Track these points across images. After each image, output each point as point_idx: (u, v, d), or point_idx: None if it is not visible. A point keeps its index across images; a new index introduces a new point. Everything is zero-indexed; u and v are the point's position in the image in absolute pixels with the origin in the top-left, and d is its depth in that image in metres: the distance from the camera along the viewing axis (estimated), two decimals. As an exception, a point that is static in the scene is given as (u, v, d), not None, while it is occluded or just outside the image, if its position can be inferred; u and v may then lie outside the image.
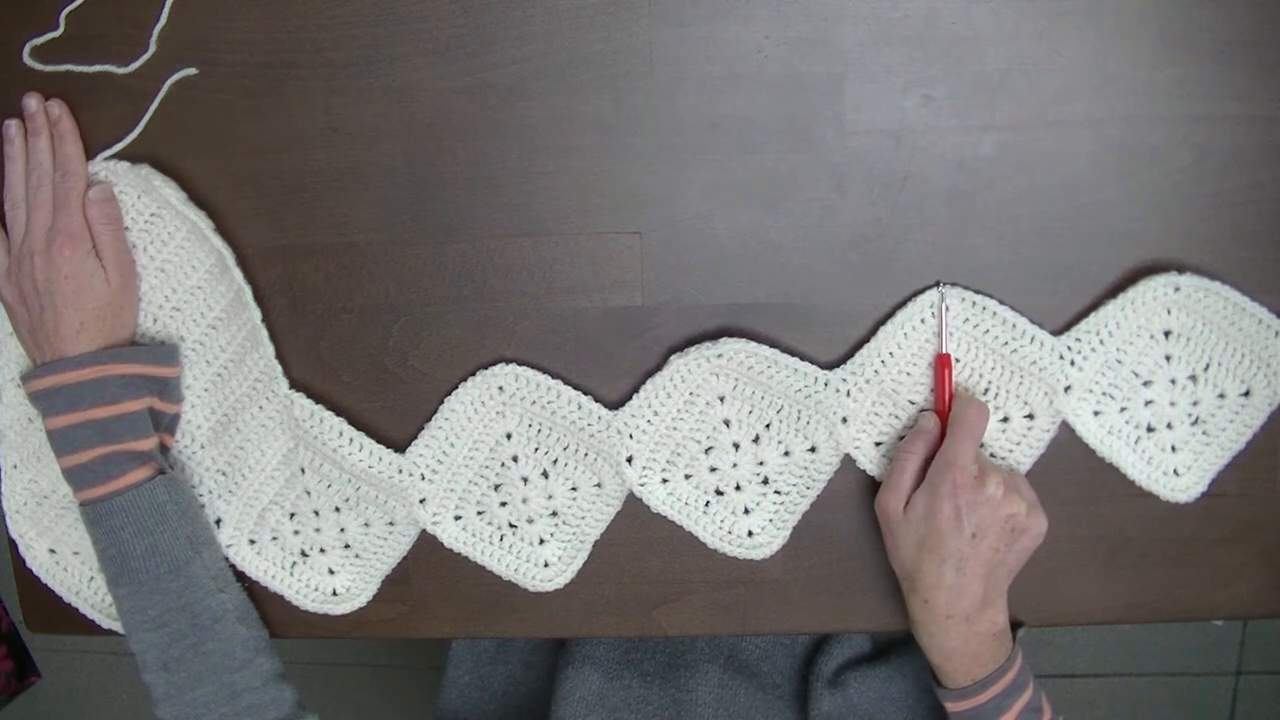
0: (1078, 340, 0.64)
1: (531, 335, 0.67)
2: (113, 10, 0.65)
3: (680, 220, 0.65)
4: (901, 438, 0.66)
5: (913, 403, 0.66)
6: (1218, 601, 0.69)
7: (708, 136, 0.64)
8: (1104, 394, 0.65)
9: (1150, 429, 0.66)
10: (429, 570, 0.72)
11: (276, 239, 0.67)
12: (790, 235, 0.65)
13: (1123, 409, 0.66)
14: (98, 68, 0.66)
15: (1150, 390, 0.65)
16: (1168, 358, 0.65)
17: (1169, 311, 0.64)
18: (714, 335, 0.66)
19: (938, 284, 0.64)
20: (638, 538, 0.70)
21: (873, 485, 0.68)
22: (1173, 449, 0.66)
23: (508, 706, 0.85)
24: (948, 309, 0.64)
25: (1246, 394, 0.65)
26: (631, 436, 0.66)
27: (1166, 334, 0.64)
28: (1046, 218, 0.64)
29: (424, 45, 0.64)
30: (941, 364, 0.64)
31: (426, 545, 0.71)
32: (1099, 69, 0.62)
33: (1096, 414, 0.65)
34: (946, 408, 0.64)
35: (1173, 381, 0.65)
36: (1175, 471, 0.66)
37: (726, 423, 0.67)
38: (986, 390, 0.65)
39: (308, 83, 0.65)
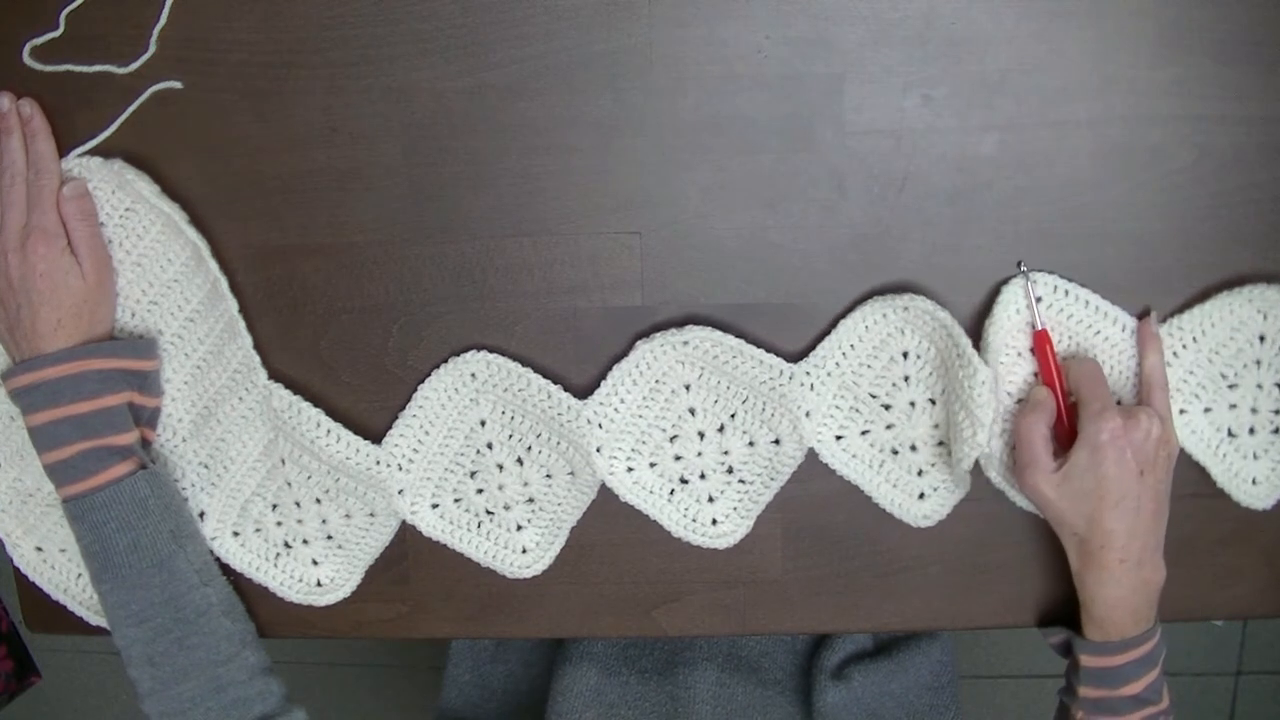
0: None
1: (531, 335, 0.67)
2: (113, 10, 0.65)
3: (680, 220, 0.65)
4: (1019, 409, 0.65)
5: (873, 396, 0.66)
6: (1218, 601, 0.69)
7: (708, 136, 0.64)
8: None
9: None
10: (429, 570, 0.72)
11: (276, 239, 0.67)
12: (790, 235, 0.65)
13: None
14: (98, 68, 0.66)
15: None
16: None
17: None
18: (680, 323, 0.66)
19: (1019, 264, 0.64)
20: (638, 538, 0.70)
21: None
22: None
23: (508, 705, 0.85)
24: (1039, 299, 0.63)
25: None
26: (600, 426, 0.66)
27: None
28: (1046, 218, 0.64)
29: (424, 45, 0.64)
30: (1041, 340, 0.63)
31: (426, 545, 0.71)
32: (1099, 69, 0.62)
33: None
34: (1054, 379, 0.63)
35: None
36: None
37: (692, 411, 0.67)
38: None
39: (308, 83, 0.65)
